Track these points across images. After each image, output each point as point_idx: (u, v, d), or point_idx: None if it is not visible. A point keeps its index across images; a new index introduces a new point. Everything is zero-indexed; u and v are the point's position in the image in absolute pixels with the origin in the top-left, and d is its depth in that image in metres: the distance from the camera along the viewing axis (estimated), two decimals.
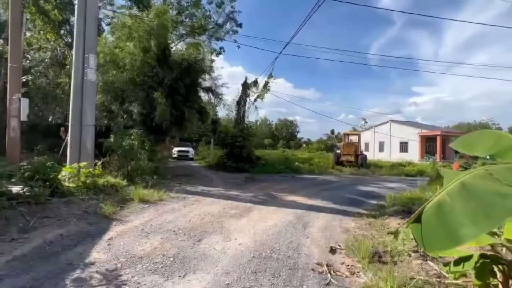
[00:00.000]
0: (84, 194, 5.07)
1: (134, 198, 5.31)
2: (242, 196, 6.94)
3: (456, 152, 39.95)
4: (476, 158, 35.16)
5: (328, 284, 2.69)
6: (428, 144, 34.32)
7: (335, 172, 16.07)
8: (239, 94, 15.54)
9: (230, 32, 13.53)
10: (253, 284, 2.55)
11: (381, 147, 39.64)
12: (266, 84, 13.14)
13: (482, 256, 2.03)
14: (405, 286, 2.61)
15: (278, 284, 2.60)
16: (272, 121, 67.66)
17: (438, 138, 31.66)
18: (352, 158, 19.64)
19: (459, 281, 2.68)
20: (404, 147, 35.79)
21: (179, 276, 2.58)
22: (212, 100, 11.57)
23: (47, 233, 3.42)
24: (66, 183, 5.14)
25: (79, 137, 6.81)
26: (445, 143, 33.90)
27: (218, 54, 10.71)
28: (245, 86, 15.49)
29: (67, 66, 8.89)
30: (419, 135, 33.78)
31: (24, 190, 4.16)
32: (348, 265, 3.19)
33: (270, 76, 12.97)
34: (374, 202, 7.43)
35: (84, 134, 6.82)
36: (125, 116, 7.70)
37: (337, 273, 2.96)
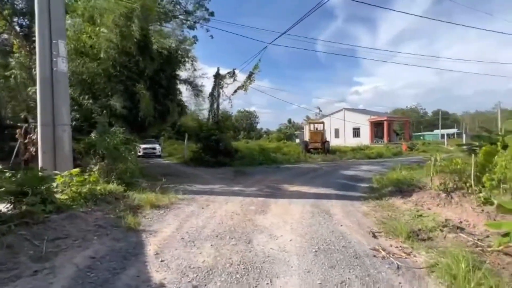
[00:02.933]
0: (83, 206, 4.32)
1: (144, 205, 4.75)
2: (248, 191, 6.79)
3: (397, 134, 45.46)
4: (409, 139, 40.17)
5: (398, 268, 2.82)
6: (376, 128, 38.27)
7: (308, 160, 16.80)
8: (212, 86, 14.89)
9: (201, 20, 12.73)
10: (342, 278, 2.54)
11: (337, 134, 42.80)
12: (250, 75, 12.82)
13: None
14: (461, 259, 2.86)
15: (361, 275, 2.64)
16: (232, 112, 67.02)
17: (385, 123, 35.49)
18: (319, 146, 20.80)
19: (499, 248, 3.09)
20: (356, 132, 39.25)
21: (267, 283, 2.43)
22: (190, 92, 10.83)
23: (73, 257, 2.83)
24: (58, 195, 4.29)
25: (53, 139, 5.74)
26: (390, 127, 38.31)
27: (192, 43, 10.00)
28: (218, 77, 14.89)
29: (16, 54, 7.22)
30: (369, 121, 37.32)
31: (22, 208, 3.34)
32: (397, 247, 3.39)
33: (256, 67, 12.69)
34: (364, 185, 8.03)
35: (59, 135, 5.77)
36: (103, 112, 6.67)
37: (396, 255, 3.13)
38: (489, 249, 3.14)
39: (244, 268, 2.69)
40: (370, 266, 2.83)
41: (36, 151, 6.60)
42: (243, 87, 13.03)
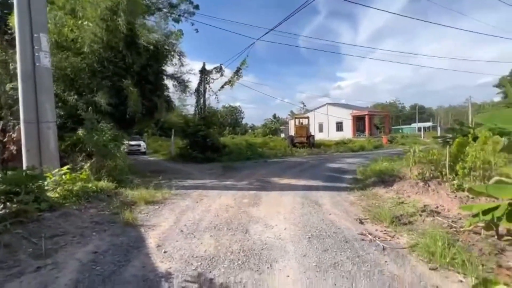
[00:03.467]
0: (76, 203, 4.29)
1: (138, 201, 4.77)
2: (239, 185, 6.94)
3: (377, 128, 47.08)
4: (389, 132, 41.74)
5: (383, 249, 3.11)
6: (358, 123, 39.53)
7: (294, 154, 17.17)
8: (198, 81, 14.76)
9: (186, 14, 12.56)
10: (335, 260, 2.78)
11: (321, 128, 43.75)
12: (238, 70, 12.80)
13: (510, 204, 2.70)
14: (438, 238, 3.18)
15: (351, 256, 2.88)
16: (217, 108, 66.13)
17: (367, 117, 36.74)
18: (304, 140, 21.28)
19: (470, 228, 3.46)
20: (339, 126, 40.35)
21: (268, 267, 2.61)
22: (176, 88, 10.68)
23: (74, 253, 2.87)
24: (49, 193, 4.22)
25: (37, 137, 5.57)
26: (371, 121, 39.71)
27: (179, 37, 9.81)
28: (204, 73, 14.77)
29: None
30: (351, 115, 38.46)
31: (12, 206, 3.29)
32: (382, 231, 3.70)
33: (243, 62, 12.67)
34: (349, 176, 8.43)
35: (44, 133, 5.61)
36: (89, 108, 6.48)
37: (381, 238, 3.43)
38: (461, 229, 3.51)
39: (244, 256, 2.86)
40: (359, 249, 3.09)
41: (18, 150, 6.37)
42: (230, 82, 13.04)
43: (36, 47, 5.49)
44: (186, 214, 4.33)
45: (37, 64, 5.51)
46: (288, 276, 2.46)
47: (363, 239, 3.38)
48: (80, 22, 6.82)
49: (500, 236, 3.11)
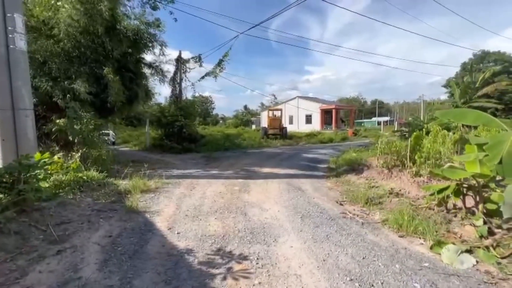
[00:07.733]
0: (69, 193, 4.27)
1: (132, 190, 4.85)
2: (225, 174, 7.25)
3: (342, 121, 49.86)
4: (353, 126, 44.44)
5: (362, 224, 3.75)
6: (326, 116, 41.65)
7: (270, 145, 17.79)
8: (174, 70, 14.40)
9: (163, 0, 12.09)
10: (326, 233, 3.32)
11: (291, 120, 45.17)
12: (220, 62, 12.72)
13: (458, 184, 3.48)
14: (404, 213, 3.91)
15: (338, 230, 3.46)
16: (185, 97, 63.87)
17: (334, 111, 38.86)
18: (278, 132, 22.03)
19: (426, 205, 4.28)
20: (309, 119, 42.07)
21: (273, 241, 3.05)
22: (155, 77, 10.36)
23: (89, 238, 3.01)
24: (41, 183, 4.12)
25: (13, 125, 5.24)
26: (337, 115, 42.09)
27: (157, 26, 9.43)
28: (180, 61, 14.45)
29: None
30: (320, 109, 40.33)
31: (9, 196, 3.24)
32: (359, 210, 4.38)
33: (226, 54, 12.60)
34: (323, 165, 9.22)
35: (21, 121, 5.27)
36: (67, 96, 6.14)
37: (359, 216, 4.09)
38: (419, 206, 4.32)
39: (250, 233, 3.27)
40: (343, 224, 3.69)
41: None
42: (213, 73, 13.00)
43: (10, 28, 5.09)
44: (185, 201, 4.57)
45: (11, 46, 5.13)
46: (292, 246, 2.94)
47: (344, 217, 4.00)
48: (53, 2, 6.35)
49: (448, 211, 3.94)
